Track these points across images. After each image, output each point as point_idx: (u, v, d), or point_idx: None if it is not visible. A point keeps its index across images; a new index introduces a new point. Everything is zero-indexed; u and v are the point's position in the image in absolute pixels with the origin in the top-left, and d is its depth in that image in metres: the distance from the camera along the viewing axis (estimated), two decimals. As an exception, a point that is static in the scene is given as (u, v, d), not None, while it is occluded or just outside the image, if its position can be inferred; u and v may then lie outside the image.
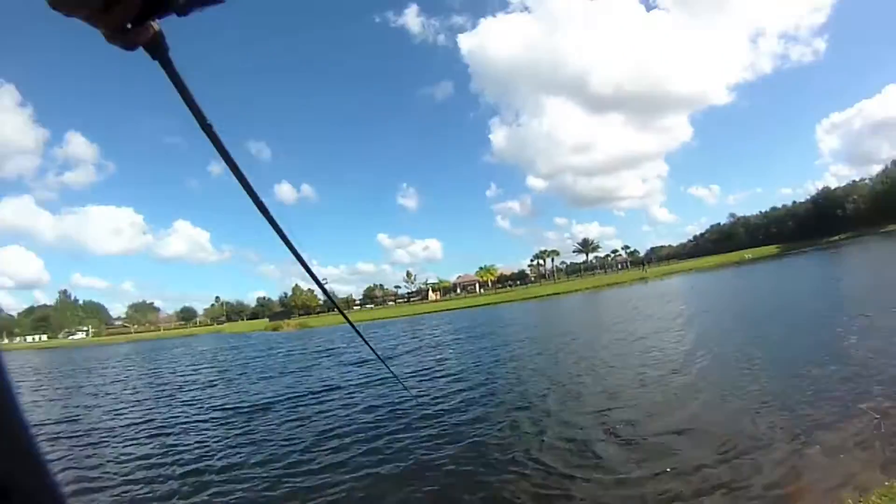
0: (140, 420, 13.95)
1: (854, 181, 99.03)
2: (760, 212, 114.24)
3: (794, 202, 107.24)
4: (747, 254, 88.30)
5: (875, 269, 31.24)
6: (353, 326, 2.03)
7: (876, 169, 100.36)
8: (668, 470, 6.95)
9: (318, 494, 7.41)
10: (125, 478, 8.95)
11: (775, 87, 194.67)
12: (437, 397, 13.23)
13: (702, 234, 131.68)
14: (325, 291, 1.83)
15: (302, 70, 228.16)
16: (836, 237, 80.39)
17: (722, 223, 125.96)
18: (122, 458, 10.31)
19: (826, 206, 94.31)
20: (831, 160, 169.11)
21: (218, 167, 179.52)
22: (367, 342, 2.20)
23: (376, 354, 2.71)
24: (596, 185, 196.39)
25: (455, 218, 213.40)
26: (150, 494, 8.08)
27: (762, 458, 6.86)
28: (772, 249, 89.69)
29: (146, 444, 11.35)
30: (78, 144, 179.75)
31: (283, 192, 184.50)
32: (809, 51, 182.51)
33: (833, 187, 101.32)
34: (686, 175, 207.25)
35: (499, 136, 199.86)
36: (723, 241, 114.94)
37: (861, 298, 19.26)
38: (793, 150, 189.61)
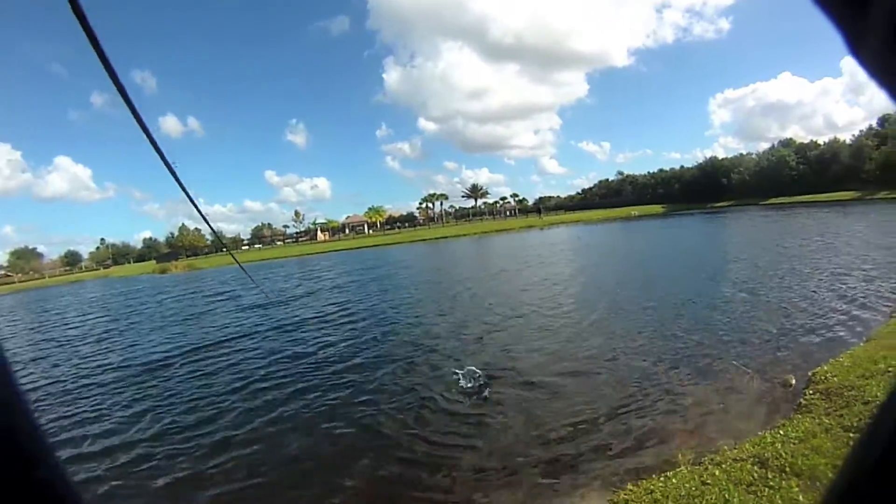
0: (33, 386, 12.95)
1: (741, 154, 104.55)
2: (648, 172, 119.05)
3: (682, 166, 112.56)
4: (634, 210, 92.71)
5: (756, 233, 34.29)
6: (241, 267, 1.90)
7: (764, 146, 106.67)
8: (559, 413, 7.22)
9: (223, 456, 7.35)
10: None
11: (675, 57, 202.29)
12: (335, 343, 13.43)
13: (590, 188, 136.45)
14: (213, 231, 1.60)
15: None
16: (720, 203, 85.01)
17: (610, 179, 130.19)
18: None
19: (712, 174, 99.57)
20: (721, 132, 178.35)
21: (100, 98, 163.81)
22: (251, 278, 2.08)
23: (252, 280, 2.48)
24: (487, 133, 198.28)
25: (344, 157, 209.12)
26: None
27: (640, 409, 7.22)
28: (658, 208, 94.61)
29: (40, 414, 10.52)
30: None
31: (168, 126, 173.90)
32: (713, 28, 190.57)
33: (721, 157, 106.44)
34: (578, 130, 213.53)
35: (392, 76, 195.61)
36: (610, 196, 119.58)
37: (743, 258, 20.82)
38: (685, 118, 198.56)
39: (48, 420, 10.02)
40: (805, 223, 34.78)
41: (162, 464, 7.36)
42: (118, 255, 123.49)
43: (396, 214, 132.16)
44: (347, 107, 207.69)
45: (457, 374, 9.56)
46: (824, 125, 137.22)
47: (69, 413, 10.32)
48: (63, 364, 15.13)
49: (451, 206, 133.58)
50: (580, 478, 5.77)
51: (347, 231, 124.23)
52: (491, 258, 37.30)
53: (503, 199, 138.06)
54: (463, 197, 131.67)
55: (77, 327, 23.77)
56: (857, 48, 0.44)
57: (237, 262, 2.10)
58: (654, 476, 5.25)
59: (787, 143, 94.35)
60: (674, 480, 4.98)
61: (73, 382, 12.80)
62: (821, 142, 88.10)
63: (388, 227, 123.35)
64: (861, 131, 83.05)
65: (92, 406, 10.62)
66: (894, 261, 16.64)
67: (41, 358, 16.70)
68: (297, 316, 18.35)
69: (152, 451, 7.85)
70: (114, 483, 6.92)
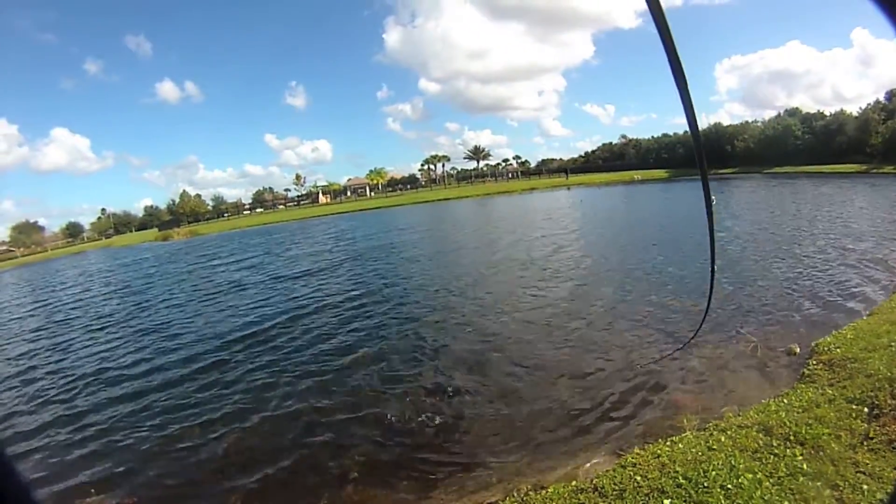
0: (49, 379, 11.24)
1: (746, 121, 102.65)
2: (653, 136, 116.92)
3: (686, 132, 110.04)
4: (637, 174, 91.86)
5: (763, 201, 33.92)
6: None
7: (769, 114, 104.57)
8: (564, 378, 7.35)
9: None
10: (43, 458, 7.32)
11: (683, 19, 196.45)
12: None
13: (593, 151, 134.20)
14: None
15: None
16: (724, 170, 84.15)
17: (614, 142, 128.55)
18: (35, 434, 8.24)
19: (717, 140, 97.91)
20: (727, 98, 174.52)
21: (93, 65, 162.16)
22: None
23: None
24: (490, 93, 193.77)
25: (345, 119, 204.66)
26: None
27: (645, 374, 7.31)
28: (661, 173, 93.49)
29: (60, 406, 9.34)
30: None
31: (166, 91, 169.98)
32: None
33: (726, 124, 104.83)
34: (583, 92, 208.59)
35: (393, 36, 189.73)
36: (613, 159, 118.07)
37: (749, 226, 20.95)
38: (691, 83, 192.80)
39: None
40: (813, 193, 34.32)
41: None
42: (119, 224, 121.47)
43: (398, 176, 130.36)
44: (347, 69, 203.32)
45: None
46: (832, 96, 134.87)
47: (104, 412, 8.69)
48: (79, 354, 13.06)
49: (454, 168, 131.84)
50: (587, 440, 5.89)
51: (349, 193, 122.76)
52: (497, 223, 36.73)
53: (505, 160, 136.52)
54: (465, 158, 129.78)
55: (86, 307, 20.59)
56: None
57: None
58: (660, 441, 5.34)
59: (794, 112, 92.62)
60: (680, 445, 5.08)
61: (93, 377, 10.72)
62: (827, 113, 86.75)
63: (390, 189, 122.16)
64: (868, 104, 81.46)
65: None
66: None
67: (49, 346, 14.51)
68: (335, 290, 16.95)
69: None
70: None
